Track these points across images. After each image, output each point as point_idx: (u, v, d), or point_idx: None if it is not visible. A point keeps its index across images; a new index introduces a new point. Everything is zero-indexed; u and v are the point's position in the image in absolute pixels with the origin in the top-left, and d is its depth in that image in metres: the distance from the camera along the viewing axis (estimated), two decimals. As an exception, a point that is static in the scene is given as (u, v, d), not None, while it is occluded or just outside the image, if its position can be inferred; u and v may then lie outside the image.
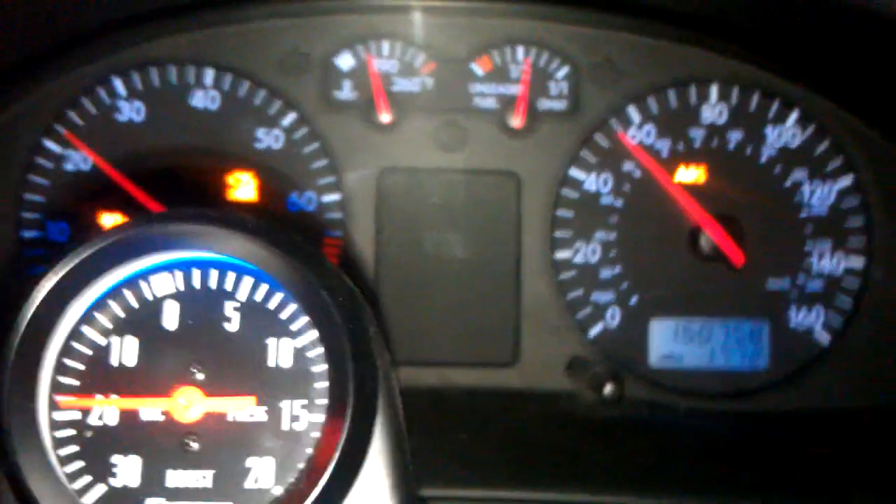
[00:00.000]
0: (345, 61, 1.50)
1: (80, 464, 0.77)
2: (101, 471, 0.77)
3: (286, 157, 1.49)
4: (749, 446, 1.39)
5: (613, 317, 1.51)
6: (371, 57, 1.49)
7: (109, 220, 1.48)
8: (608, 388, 1.40)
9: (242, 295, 0.81)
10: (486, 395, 1.49)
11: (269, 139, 1.49)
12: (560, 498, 1.15)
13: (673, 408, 1.50)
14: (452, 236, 1.51)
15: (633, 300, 1.51)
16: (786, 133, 1.51)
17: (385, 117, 1.50)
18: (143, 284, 0.81)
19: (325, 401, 0.78)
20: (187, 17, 1.46)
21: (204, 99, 1.48)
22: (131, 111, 1.48)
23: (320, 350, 0.80)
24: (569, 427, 1.42)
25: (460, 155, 1.51)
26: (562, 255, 1.51)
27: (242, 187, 1.49)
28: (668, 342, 1.51)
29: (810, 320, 1.52)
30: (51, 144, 1.47)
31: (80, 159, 1.48)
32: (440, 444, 1.20)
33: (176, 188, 1.47)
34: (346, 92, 1.50)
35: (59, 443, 0.77)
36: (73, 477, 0.77)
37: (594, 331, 1.51)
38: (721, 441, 1.42)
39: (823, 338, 1.52)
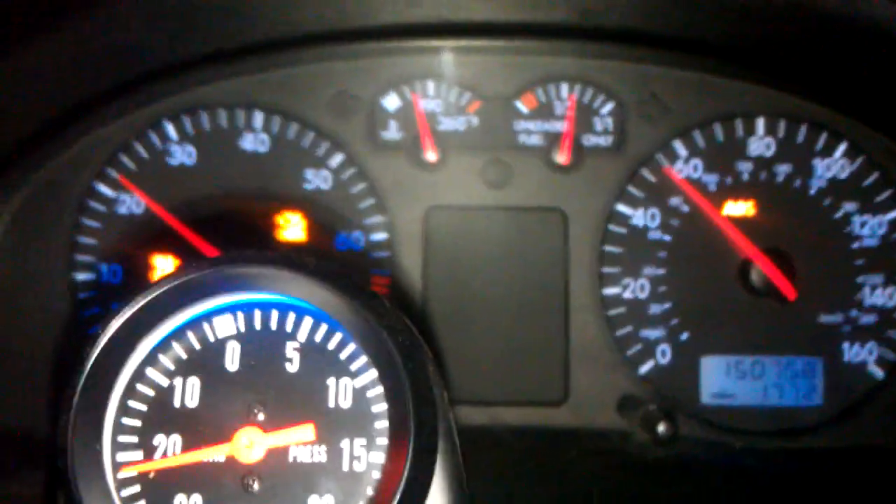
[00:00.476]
0: (391, 102, 1.52)
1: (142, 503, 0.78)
2: None
3: (334, 198, 1.51)
4: (805, 485, 1.37)
5: (664, 354, 1.50)
6: (417, 97, 1.51)
7: (162, 262, 1.50)
8: (662, 428, 1.37)
9: (302, 336, 0.82)
10: (537, 435, 1.48)
11: (317, 180, 1.51)
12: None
13: (727, 447, 1.48)
14: (499, 274, 1.51)
15: (684, 336, 1.50)
16: (834, 165, 1.50)
17: (431, 156, 1.51)
18: (205, 326, 0.82)
19: (385, 440, 0.78)
20: (237, 61, 1.49)
21: (254, 142, 1.51)
22: (182, 155, 1.51)
23: (380, 389, 0.80)
24: (622, 467, 1.40)
25: (506, 192, 1.52)
26: (610, 291, 1.50)
27: (291, 228, 1.50)
28: (720, 379, 1.50)
29: (864, 355, 1.50)
30: (103, 188, 1.50)
31: (132, 202, 1.51)
32: (492, 484, 1.19)
33: (227, 230, 1.49)
34: (393, 132, 1.52)
35: (121, 483, 0.78)
36: None
37: (645, 368, 1.50)
38: (777, 480, 1.39)
39: (878, 372, 1.50)
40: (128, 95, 1.49)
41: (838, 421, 1.49)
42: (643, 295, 1.50)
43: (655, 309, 1.50)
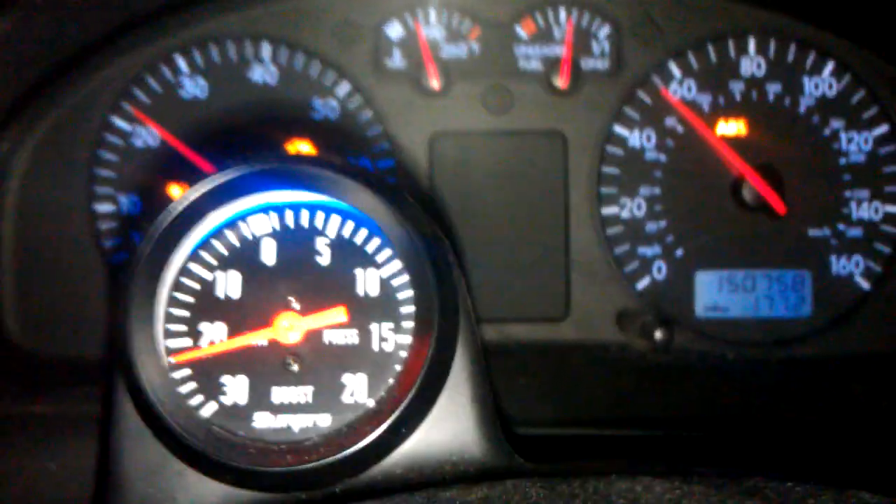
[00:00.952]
0: (394, 30, 1.56)
1: (193, 385, 0.85)
2: (212, 390, 0.85)
3: (342, 126, 1.56)
4: (793, 389, 1.43)
5: (660, 270, 1.56)
6: (419, 25, 1.56)
7: (178, 192, 1.55)
8: (658, 334, 1.45)
9: (332, 231, 0.89)
10: (543, 348, 1.55)
11: (325, 109, 1.56)
12: (615, 434, 1.21)
13: (720, 355, 1.55)
14: (502, 197, 1.57)
15: (679, 253, 1.56)
16: (822, 84, 1.55)
17: (434, 83, 1.56)
18: (242, 225, 0.89)
19: (410, 323, 0.86)
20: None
21: (263, 73, 1.56)
22: (194, 87, 1.55)
23: (404, 278, 0.87)
24: (622, 374, 1.47)
25: (508, 117, 1.57)
26: (608, 210, 1.56)
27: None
28: (713, 293, 1.56)
29: (851, 267, 1.56)
30: (119, 122, 1.55)
31: (147, 135, 1.56)
32: (502, 390, 1.26)
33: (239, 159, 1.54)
34: (397, 60, 1.56)
35: (173, 367, 0.85)
36: (188, 396, 0.85)
37: (642, 284, 1.56)
38: (767, 386, 1.46)
39: (864, 284, 1.56)
40: (139, 30, 1.53)
41: (826, 331, 1.56)
42: (640, 214, 1.56)
43: (651, 227, 1.56)
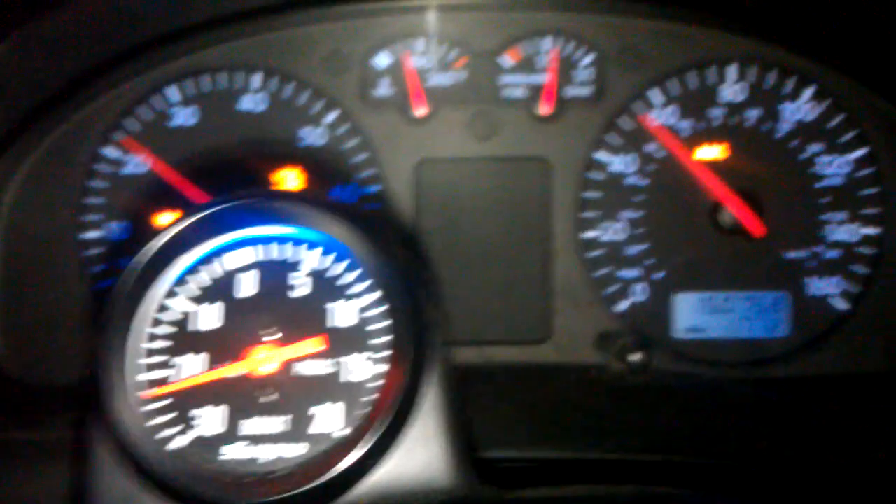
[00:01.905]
0: (381, 60, 1.59)
1: (165, 417, 0.88)
2: (186, 421, 0.88)
3: (329, 153, 1.59)
4: (770, 410, 1.44)
5: (640, 292, 1.59)
6: (406, 54, 1.59)
7: (167, 218, 1.57)
8: (635, 357, 1.45)
9: (311, 264, 0.92)
10: (523, 370, 1.56)
11: (312, 136, 1.59)
12: (592, 456, 1.22)
13: (697, 376, 1.57)
14: (487, 221, 1.59)
15: (659, 275, 1.58)
16: (801, 108, 1.57)
17: (421, 111, 1.59)
18: (225, 257, 0.92)
19: (385, 353, 0.88)
20: (235, 26, 1.56)
21: (252, 102, 1.59)
22: (184, 116, 1.58)
23: (380, 309, 0.90)
24: (599, 395, 1.48)
25: (492, 143, 1.59)
26: (589, 234, 1.59)
27: (289, 182, 1.58)
28: (692, 314, 1.58)
29: (828, 288, 1.58)
30: (109, 150, 1.58)
31: (136, 163, 1.58)
32: (483, 413, 1.28)
33: (227, 186, 1.56)
34: (384, 89, 1.59)
35: (147, 399, 0.88)
36: (160, 428, 0.87)
37: (621, 306, 1.59)
38: (745, 406, 1.47)
39: (842, 304, 1.58)
40: (131, 62, 1.56)
41: (804, 351, 1.58)
42: (621, 237, 1.59)
43: (632, 250, 1.58)
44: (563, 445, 1.19)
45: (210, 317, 0.90)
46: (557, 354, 1.58)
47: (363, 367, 0.89)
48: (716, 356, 1.57)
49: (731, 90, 1.58)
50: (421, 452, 0.84)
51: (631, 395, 1.45)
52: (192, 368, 0.89)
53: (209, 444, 0.87)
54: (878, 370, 1.57)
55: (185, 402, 0.88)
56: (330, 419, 0.88)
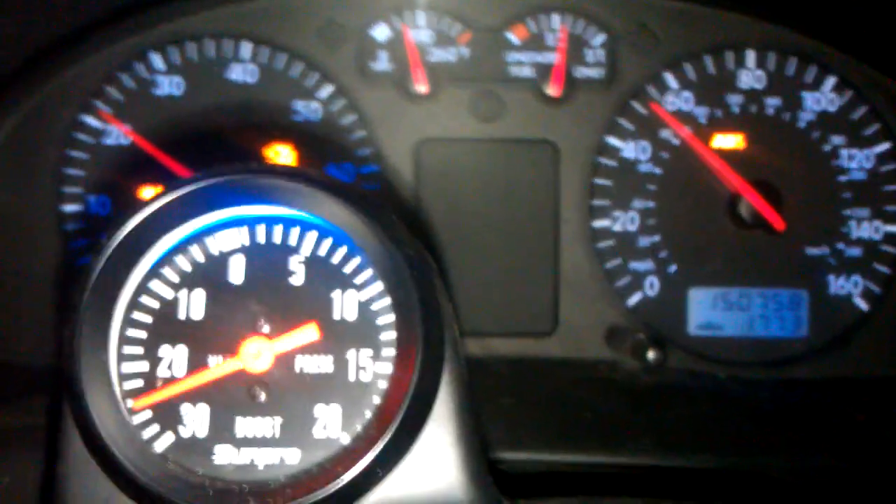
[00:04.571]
0: (381, 32, 1.51)
1: (147, 414, 0.78)
2: (169, 420, 0.78)
3: (324, 129, 1.50)
4: (789, 413, 1.39)
5: (652, 286, 1.52)
6: (406, 27, 1.50)
7: (150, 193, 1.48)
8: (652, 355, 1.40)
9: (307, 249, 0.82)
10: (528, 364, 1.50)
11: (307, 111, 1.50)
12: (602, 461, 1.15)
13: (713, 376, 1.50)
14: (490, 207, 1.51)
15: (672, 269, 1.51)
16: (823, 98, 1.51)
17: (421, 88, 1.50)
18: (209, 240, 0.82)
19: (390, 351, 0.79)
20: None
21: (242, 72, 1.50)
22: (170, 85, 1.49)
23: (385, 302, 0.80)
24: (611, 394, 1.42)
25: (497, 125, 1.52)
26: (600, 223, 1.51)
27: (281, 160, 1.49)
28: (707, 311, 1.52)
29: (849, 287, 1.52)
30: (90, 120, 1.49)
31: (119, 134, 1.49)
32: (485, 409, 1.20)
33: (215, 161, 1.47)
34: (383, 63, 1.51)
35: (128, 393, 0.78)
36: (141, 427, 0.77)
37: (633, 300, 1.52)
38: (762, 409, 1.42)
39: (863, 304, 1.52)
40: (113, 26, 1.47)
41: (823, 352, 1.52)
42: (632, 227, 1.52)
43: (644, 242, 1.52)
44: (577, 449, 1.12)
45: (194, 305, 0.80)
46: (564, 349, 1.51)
47: (366, 366, 0.79)
48: (731, 355, 1.52)
49: (750, 77, 1.51)
50: (433, 464, 0.75)
51: (644, 393, 1.39)
52: (177, 360, 0.79)
53: (196, 447, 0.77)
54: (897, 374, 1.51)
55: (170, 400, 0.78)
56: (330, 423, 0.78)
